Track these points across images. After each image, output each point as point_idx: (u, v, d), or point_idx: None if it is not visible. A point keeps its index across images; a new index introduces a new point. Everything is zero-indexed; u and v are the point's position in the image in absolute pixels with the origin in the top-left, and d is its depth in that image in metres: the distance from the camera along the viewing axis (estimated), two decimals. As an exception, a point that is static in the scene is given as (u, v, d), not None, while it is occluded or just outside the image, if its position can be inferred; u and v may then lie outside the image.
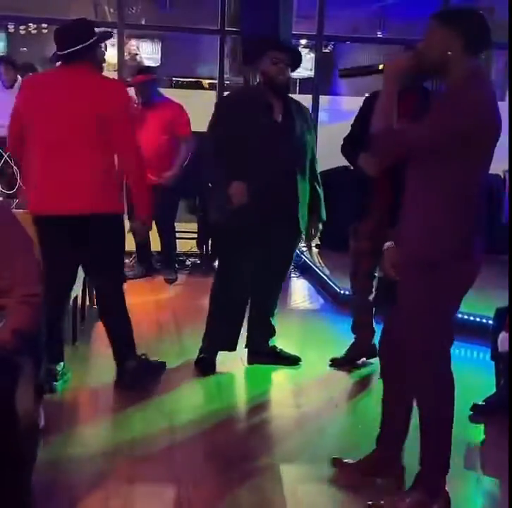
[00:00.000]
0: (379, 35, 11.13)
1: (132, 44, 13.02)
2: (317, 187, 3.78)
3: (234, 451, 2.92)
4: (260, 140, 3.43)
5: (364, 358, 3.87)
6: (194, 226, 6.17)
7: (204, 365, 3.72)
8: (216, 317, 3.71)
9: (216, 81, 6.52)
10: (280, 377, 3.80)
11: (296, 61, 3.60)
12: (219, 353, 3.76)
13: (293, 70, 3.61)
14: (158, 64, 13.09)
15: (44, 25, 10.40)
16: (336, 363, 3.89)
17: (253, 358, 3.84)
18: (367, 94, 3.83)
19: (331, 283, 5.31)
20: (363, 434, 3.00)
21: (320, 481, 2.70)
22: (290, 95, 3.68)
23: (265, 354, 3.83)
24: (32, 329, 2.11)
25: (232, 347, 3.74)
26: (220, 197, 3.47)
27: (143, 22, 10.36)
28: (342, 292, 5.09)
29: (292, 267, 4.42)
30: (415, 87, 3.34)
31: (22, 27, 10.83)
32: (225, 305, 3.67)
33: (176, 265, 5.81)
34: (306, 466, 2.84)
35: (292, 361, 3.87)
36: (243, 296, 3.70)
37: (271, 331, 3.86)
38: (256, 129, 3.44)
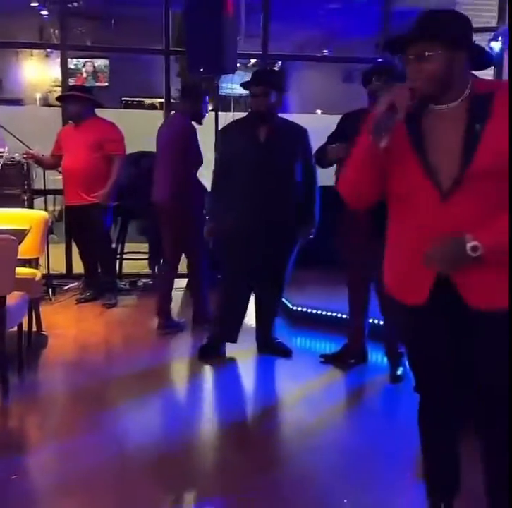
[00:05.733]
0: (324, 53, 11.31)
1: (89, 65, 12.99)
2: (310, 197, 4.07)
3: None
4: (245, 157, 3.95)
5: (353, 360, 4.12)
6: (143, 247, 6.12)
7: (208, 351, 4.24)
8: (221, 312, 4.23)
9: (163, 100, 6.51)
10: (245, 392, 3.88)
11: (275, 85, 3.94)
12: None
13: (279, 92, 3.96)
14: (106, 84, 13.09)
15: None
16: (326, 359, 4.20)
17: (260, 349, 4.36)
18: (343, 114, 3.93)
19: (283, 299, 5.29)
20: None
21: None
22: (286, 118, 4.12)
23: (266, 346, 4.36)
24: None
25: (233, 339, 4.24)
26: (218, 209, 4.07)
27: (88, 44, 10.27)
28: (294, 308, 5.10)
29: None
30: None
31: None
32: (227, 302, 4.20)
33: (122, 287, 5.76)
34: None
35: (285, 353, 4.33)
36: (244, 295, 4.20)
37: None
38: (242, 149, 3.96)
